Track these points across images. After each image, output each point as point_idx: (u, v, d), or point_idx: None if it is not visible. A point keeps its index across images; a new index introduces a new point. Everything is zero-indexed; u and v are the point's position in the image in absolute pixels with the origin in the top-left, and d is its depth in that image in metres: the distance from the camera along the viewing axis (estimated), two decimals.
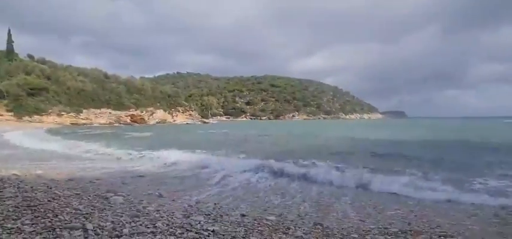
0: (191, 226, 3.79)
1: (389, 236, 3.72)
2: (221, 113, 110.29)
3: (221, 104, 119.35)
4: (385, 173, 8.58)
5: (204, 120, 79.24)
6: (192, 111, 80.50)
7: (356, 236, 3.66)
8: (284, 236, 3.55)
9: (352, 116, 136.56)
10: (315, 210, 5.48)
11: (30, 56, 59.49)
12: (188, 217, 4.39)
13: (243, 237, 3.35)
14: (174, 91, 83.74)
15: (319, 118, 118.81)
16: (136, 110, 60.58)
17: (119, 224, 3.62)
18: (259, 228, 3.91)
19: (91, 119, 52.35)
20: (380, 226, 4.33)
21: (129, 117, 58.75)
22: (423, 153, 13.37)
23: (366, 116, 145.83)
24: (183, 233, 3.43)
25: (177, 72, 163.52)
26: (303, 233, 3.71)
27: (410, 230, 4.10)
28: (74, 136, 26.31)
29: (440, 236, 3.80)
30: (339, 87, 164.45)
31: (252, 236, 3.43)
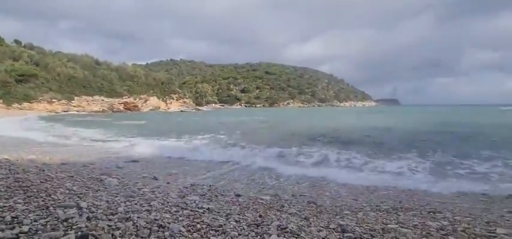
0: (186, 204, 3.81)
1: (380, 212, 3.81)
2: (216, 100, 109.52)
3: (216, 91, 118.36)
4: (378, 158, 8.73)
5: (199, 108, 78.73)
6: (186, 98, 79.74)
7: (348, 212, 3.74)
8: (278, 213, 3.61)
9: (347, 104, 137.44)
10: (309, 190, 5.57)
11: (17, 42, 57.56)
12: (183, 197, 4.41)
13: (238, 214, 3.38)
14: (168, 78, 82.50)
15: (313, 106, 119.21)
16: (129, 98, 59.73)
17: (113, 203, 3.62)
18: (254, 206, 3.96)
19: (83, 107, 51.47)
20: (372, 204, 4.43)
21: (122, 104, 57.93)
22: (415, 139, 13.60)
23: (359, 103, 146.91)
24: (178, 211, 3.45)
25: (171, 59, 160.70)
26: (297, 210, 3.77)
27: (401, 208, 4.21)
28: (67, 123, 25.91)
29: (429, 212, 3.91)
30: (334, 75, 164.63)
31: (247, 213, 3.47)
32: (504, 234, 2.53)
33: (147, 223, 2.85)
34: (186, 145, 12.46)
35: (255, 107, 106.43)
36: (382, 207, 4.24)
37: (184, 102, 76.60)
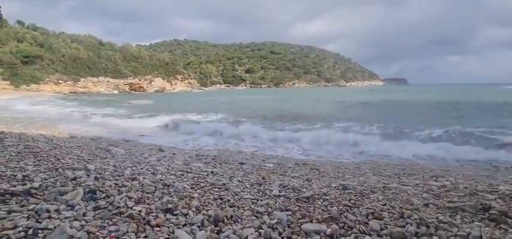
0: (191, 169, 3.90)
1: (382, 177, 3.84)
2: (220, 81, 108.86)
3: (220, 72, 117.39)
4: (382, 135, 8.69)
5: (203, 88, 78.61)
6: (191, 79, 79.52)
7: (351, 177, 3.77)
8: (281, 176, 3.66)
9: (353, 84, 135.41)
10: (312, 160, 5.61)
11: (20, 23, 57.32)
12: (188, 164, 4.50)
13: (242, 176, 3.44)
14: (172, 59, 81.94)
15: (319, 85, 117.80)
16: (134, 78, 59.84)
17: (120, 167, 3.72)
18: (258, 171, 4.02)
19: (89, 88, 51.89)
20: (375, 171, 4.45)
21: (127, 85, 58.17)
22: (420, 115, 13.45)
23: (366, 83, 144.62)
24: (182, 174, 3.53)
25: (174, 40, 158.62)
26: (300, 174, 3.82)
27: (404, 173, 4.22)
28: (77, 103, 26.26)
29: (431, 177, 3.92)
30: (340, 54, 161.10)
31: (251, 176, 3.53)
32: (506, 190, 2.53)
33: (152, 183, 2.93)
34: (192, 121, 12.59)
35: (260, 87, 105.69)
36: (384, 173, 4.26)
37: (189, 83, 76.46)
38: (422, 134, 8.15)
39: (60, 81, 47.73)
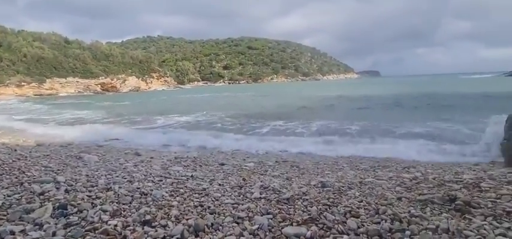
0: (170, 174, 3.80)
1: (359, 170, 3.99)
2: (198, 78, 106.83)
3: (198, 69, 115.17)
4: (357, 131, 9.01)
5: (181, 86, 76.75)
6: (167, 77, 77.26)
7: (329, 172, 3.88)
8: (262, 176, 3.68)
9: (330, 77, 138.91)
10: (292, 158, 5.69)
11: None
12: (167, 168, 4.38)
13: (222, 179, 3.41)
14: (146, 56, 79.01)
15: (297, 80, 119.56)
16: (106, 78, 56.99)
17: (93, 177, 3.53)
18: (239, 172, 4.01)
19: (57, 89, 48.64)
20: (352, 165, 4.61)
21: (99, 85, 55.28)
22: (389, 111, 14.11)
23: (342, 76, 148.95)
24: (161, 180, 3.43)
25: (148, 36, 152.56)
26: (280, 173, 3.87)
27: (379, 166, 4.42)
28: (44, 107, 24.52)
29: (404, 168, 4.14)
30: (316, 49, 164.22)
31: (231, 178, 3.51)
32: (470, 178, 2.73)
33: (128, 192, 2.82)
34: (172, 123, 12.27)
35: (239, 83, 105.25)
36: (360, 167, 4.43)
37: (165, 81, 74.30)
38: (398, 130, 8.46)
39: (23, 84, 44.32)
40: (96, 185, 3.10)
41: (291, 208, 2.20)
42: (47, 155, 5.05)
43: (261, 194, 2.61)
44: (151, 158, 5.87)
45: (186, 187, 3.00)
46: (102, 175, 3.62)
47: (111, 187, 3.01)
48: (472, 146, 5.63)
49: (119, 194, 2.75)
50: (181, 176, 3.62)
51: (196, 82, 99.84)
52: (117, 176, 3.65)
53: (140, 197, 2.66)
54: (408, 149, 5.85)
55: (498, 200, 2.05)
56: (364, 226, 1.79)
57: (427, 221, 1.77)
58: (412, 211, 1.95)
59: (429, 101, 16.45)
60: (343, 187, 2.75)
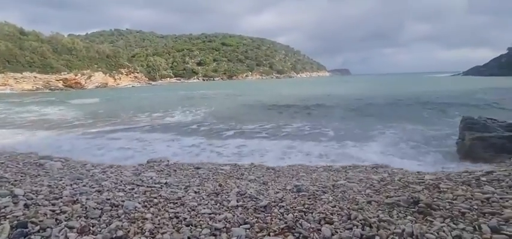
0: (142, 181, 3.65)
1: (332, 171, 4.15)
2: (171, 74, 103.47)
3: (170, 65, 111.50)
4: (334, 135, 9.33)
5: (152, 82, 73.77)
6: (137, 73, 73.79)
7: (304, 174, 3.99)
8: (238, 180, 3.68)
9: (303, 75, 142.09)
10: (268, 161, 5.75)
11: None
12: (139, 175, 4.21)
13: (198, 186, 3.36)
14: (114, 51, 74.78)
15: (272, 77, 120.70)
16: (69, 73, 52.99)
17: (57, 187, 3.29)
18: (214, 176, 3.97)
19: (11, 85, 44.27)
20: (325, 166, 4.78)
21: (61, 81, 51.23)
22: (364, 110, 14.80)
23: (315, 74, 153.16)
24: (133, 188, 3.29)
25: (115, 29, 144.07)
26: (256, 176, 3.89)
27: (350, 166, 4.63)
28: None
29: (373, 169, 4.38)
30: (290, 47, 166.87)
31: (207, 183, 3.46)
32: (430, 179, 2.97)
33: (97, 204, 2.66)
34: (143, 121, 11.77)
35: (213, 80, 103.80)
36: (333, 167, 4.61)
37: (136, 77, 70.96)
38: (371, 129, 8.82)
39: None
40: (61, 197, 2.89)
41: (268, 216, 2.23)
42: (1, 163, 4.60)
43: (238, 201, 2.61)
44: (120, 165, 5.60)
45: (160, 196, 2.90)
46: (67, 185, 3.38)
47: (77, 199, 2.83)
48: (434, 145, 6.11)
49: (86, 207, 2.59)
50: (155, 184, 3.50)
51: (168, 78, 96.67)
52: (84, 186, 3.44)
53: (111, 210, 2.53)
54: (378, 148, 6.20)
55: (454, 201, 2.26)
56: (337, 232, 1.87)
57: (394, 225, 1.90)
58: (381, 215, 2.08)
59: (398, 100, 17.52)
60: (317, 191, 2.84)
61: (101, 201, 2.76)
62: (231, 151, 6.63)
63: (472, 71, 67.35)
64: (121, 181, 3.68)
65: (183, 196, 2.87)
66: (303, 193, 2.82)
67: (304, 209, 2.29)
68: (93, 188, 3.33)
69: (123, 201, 2.75)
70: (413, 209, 2.15)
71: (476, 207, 2.13)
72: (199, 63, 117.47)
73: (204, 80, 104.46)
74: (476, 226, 1.80)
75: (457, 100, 16.10)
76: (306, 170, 4.34)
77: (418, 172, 3.70)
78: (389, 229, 1.86)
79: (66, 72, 52.85)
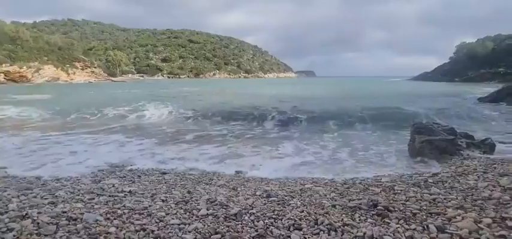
0: (103, 190, 3.42)
1: (299, 176, 4.31)
2: (133, 70, 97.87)
3: (132, 60, 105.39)
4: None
5: (112, 78, 68.94)
6: (94, 68, 68.41)
7: (272, 179, 4.08)
8: (207, 186, 3.63)
9: (270, 75, 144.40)
10: (236, 164, 5.76)
11: None
12: (99, 181, 3.94)
13: (165, 193, 3.25)
14: (67, 43, 68.49)
15: (240, 77, 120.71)
16: (12, 66, 47.16)
17: (1, 199, 2.94)
18: (182, 182, 3.87)
19: None
20: (291, 167, 4.94)
21: (2, 74, 45.46)
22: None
23: (282, 75, 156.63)
24: (93, 198, 3.07)
25: (68, 19, 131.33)
26: (226, 181, 3.89)
27: (315, 169, 4.84)
28: None
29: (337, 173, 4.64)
30: (258, 47, 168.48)
31: (175, 190, 3.37)
32: (387, 181, 3.25)
33: (52, 218, 2.44)
34: (102, 121, 10.96)
35: (179, 77, 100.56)
36: (299, 167, 4.78)
37: (93, 72, 65.81)
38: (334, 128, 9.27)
39: None
40: (6, 212, 2.59)
41: (239, 224, 2.25)
42: None
43: (208, 209, 2.59)
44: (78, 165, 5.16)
45: (124, 206, 2.75)
46: (13, 197, 3.04)
47: (27, 213, 2.56)
48: (389, 146, 6.66)
49: (39, 223, 2.36)
50: (118, 192, 3.31)
51: (130, 75, 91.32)
52: (35, 197, 3.12)
53: (68, 225, 2.34)
54: (338, 150, 6.56)
55: (407, 203, 2.51)
56: (306, 238, 1.96)
57: (356, 228, 2.05)
58: (345, 219, 2.23)
59: (357, 103, 18.69)
60: (286, 196, 2.93)
61: (55, 214, 2.53)
62: (199, 153, 6.50)
63: (421, 77, 74.47)
64: (78, 190, 3.41)
65: (150, 206, 2.75)
66: (272, 198, 2.89)
67: (274, 216, 2.36)
68: (46, 199, 3.04)
69: (82, 213, 2.55)
70: (373, 212, 2.34)
71: (425, 208, 2.39)
72: (164, 60, 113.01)
73: (169, 77, 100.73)
74: (425, 226, 2.03)
75: (408, 104, 17.73)
76: (270, 174, 4.43)
77: (376, 175, 4.01)
78: (353, 233, 2.00)
79: (8, 64, 47.04)
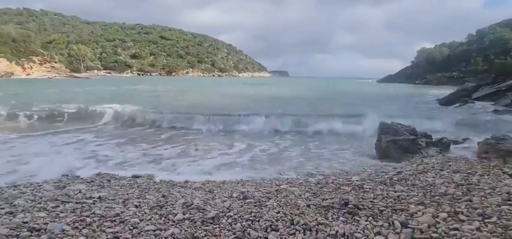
0: (69, 197, 3.21)
1: (274, 176, 4.40)
2: (99, 66, 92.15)
3: (98, 55, 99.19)
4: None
5: (75, 74, 64.25)
6: (55, 62, 63.27)
7: (248, 180, 4.12)
8: (182, 189, 3.58)
9: (245, 74, 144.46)
10: (212, 165, 5.72)
11: None
12: (63, 187, 3.69)
13: (138, 198, 3.14)
14: (23, 34, 62.57)
15: (213, 75, 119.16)
16: None
17: None
18: (156, 186, 3.76)
19: None
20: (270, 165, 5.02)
21: None
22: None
23: (257, 74, 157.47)
24: (58, 206, 2.88)
25: (24, 8, 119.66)
26: (201, 183, 3.85)
27: (289, 170, 4.97)
28: None
29: (307, 173, 4.80)
30: (232, 46, 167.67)
31: (148, 194, 3.27)
32: (356, 180, 3.45)
33: (11, 230, 2.26)
34: (64, 121, 10.19)
35: (150, 75, 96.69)
36: (276, 168, 4.88)
37: (53, 67, 60.91)
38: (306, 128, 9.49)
39: None
40: None
41: (216, 228, 2.26)
42: None
43: (184, 214, 2.55)
44: (38, 170, 4.77)
45: (93, 213, 2.61)
46: None
47: None
48: (357, 146, 7.04)
49: None
50: (86, 198, 3.13)
51: (96, 71, 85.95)
52: None
53: (30, 236, 2.17)
54: (311, 149, 6.81)
55: (375, 200, 2.69)
56: None
57: (330, 227, 2.16)
58: (319, 218, 2.33)
59: (327, 102, 19.45)
60: (262, 197, 2.99)
61: (15, 226, 2.34)
62: (172, 154, 6.35)
63: (386, 79, 79.35)
64: (41, 198, 3.17)
65: (122, 212, 2.65)
66: (249, 200, 2.92)
67: (251, 218, 2.40)
68: (3, 209, 2.79)
69: (45, 223, 2.38)
70: (344, 210, 2.48)
71: (390, 205, 2.58)
72: (133, 56, 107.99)
73: (139, 74, 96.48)
74: (391, 222, 2.20)
75: (374, 104, 18.90)
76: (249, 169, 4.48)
77: (346, 173, 4.22)
78: (326, 231, 2.11)
79: None
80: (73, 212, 2.70)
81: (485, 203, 2.43)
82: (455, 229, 2.01)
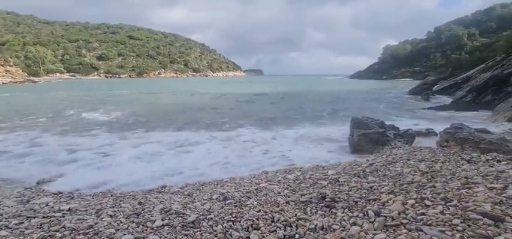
0: (34, 211, 2.98)
1: (253, 175, 4.43)
2: (61, 69, 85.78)
3: (60, 57, 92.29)
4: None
5: (34, 79, 59.27)
6: (10, 66, 57.86)
7: (228, 179, 4.11)
8: (160, 195, 3.48)
9: (219, 74, 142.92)
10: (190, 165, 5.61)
11: None
12: (28, 201, 3.41)
13: (113, 207, 3.00)
14: None
15: (187, 75, 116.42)
16: None
17: None
18: (131, 193, 3.62)
19: None
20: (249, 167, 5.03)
21: None
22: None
23: (231, 73, 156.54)
24: (22, 222, 2.66)
25: None
26: (180, 188, 3.77)
27: (268, 164, 5.03)
28: None
29: (286, 170, 4.90)
30: (205, 45, 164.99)
31: (124, 203, 3.14)
32: (332, 174, 3.59)
33: None
34: (24, 129, 9.36)
35: (119, 77, 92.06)
36: (253, 166, 4.91)
37: (7, 71, 55.68)
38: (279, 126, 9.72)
39: None
40: None
41: (197, 232, 2.23)
42: None
43: (163, 220, 2.48)
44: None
45: (64, 227, 2.45)
46: None
47: None
48: (331, 140, 7.29)
49: None
50: (54, 212, 2.92)
51: (58, 74, 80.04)
52: None
53: None
54: (285, 146, 6.93)
55: (350, 193, 2.82)
56: (264, 237, 2.06)
57: (309, 221, 2.24)
58: (298, 213, 2.40)
59: (300, 100, 19.93)
60: (242, 197, 3.00)
61: None
62: (146, 159, 6.12)
63: (355, 75, 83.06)
64: (1, 215, 2.90)
65: (96, 223, 2.51)
66: (229, 200, 2.92)
67: (232, 219, 2.40)
68: None
69: None
70: (322, 204, 2.57)
71: (364, 195, 2.73)
72: (100, 58, 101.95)
73: (107, 77, 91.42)
74: (365, 212, 2.32)
75: (345, 100, 19.76)
76: (229, 175, 4.47)
77: (322, 167, 4.37)
78: (306, 226, 2.17)
79: None
80: (40, 228, 2.51)
81: (447, 188, 2.65)
82: (422, 213, 2.17)
